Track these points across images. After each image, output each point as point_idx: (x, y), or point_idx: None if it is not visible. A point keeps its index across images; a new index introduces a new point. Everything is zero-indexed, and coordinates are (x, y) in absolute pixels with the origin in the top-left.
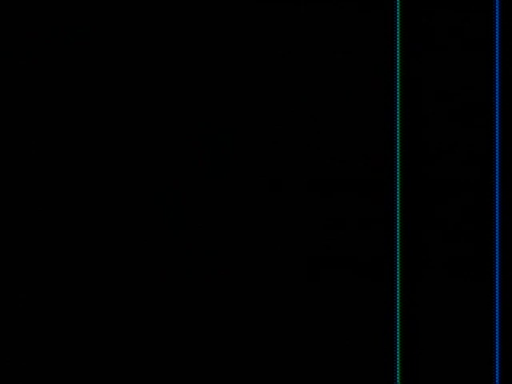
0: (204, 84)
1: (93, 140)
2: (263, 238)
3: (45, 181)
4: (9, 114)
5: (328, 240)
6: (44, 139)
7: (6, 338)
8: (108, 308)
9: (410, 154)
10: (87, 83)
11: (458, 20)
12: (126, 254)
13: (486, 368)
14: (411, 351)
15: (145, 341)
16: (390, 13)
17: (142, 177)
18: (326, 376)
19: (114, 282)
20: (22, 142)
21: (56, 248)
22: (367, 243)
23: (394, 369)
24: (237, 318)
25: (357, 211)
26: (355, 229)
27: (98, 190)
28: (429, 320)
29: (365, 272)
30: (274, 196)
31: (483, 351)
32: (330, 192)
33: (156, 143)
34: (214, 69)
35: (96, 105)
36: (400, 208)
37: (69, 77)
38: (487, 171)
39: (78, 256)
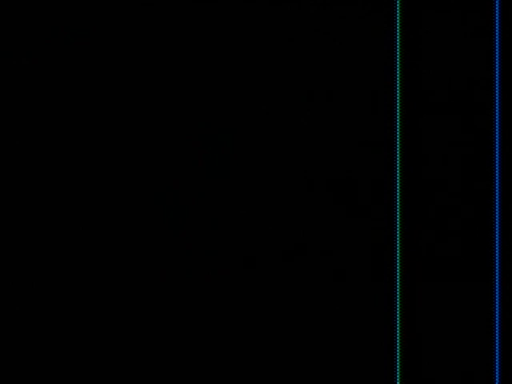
0: (204, 84)
1: (92, 140)
2: (263, 239)
3: (45, 181)
4: (9, 114)
5: (328, 240)
6: (44, 139)
7: (5, 338)
8: (108, 308)
9: (410, 154)
10: (87, 83)
11: (458, 20)
12: (126, 253)
13: (486, 368)
14: (411, 351)
15: (145, 341)
16: (389, 13)
17: (142, 176)
18: (325, 376)
19: (114, 281)
20: (22, 142)
21: (56, 248)
22: (367, 243)
23: (394, 369)
24: (237, 318)
25: (357, 211)
26: (355, 228)
27: (97, 190)
28: (429, 320)
29: (365, 272)
30: (274, 196)
31: (483, 351)
32: (330, 192)
33: (156, 143)
34: (214, 69)
35: (96, 105)
36: (400, 208)
37: (69, 77)
38: (487, 171)
39: (78, 256)
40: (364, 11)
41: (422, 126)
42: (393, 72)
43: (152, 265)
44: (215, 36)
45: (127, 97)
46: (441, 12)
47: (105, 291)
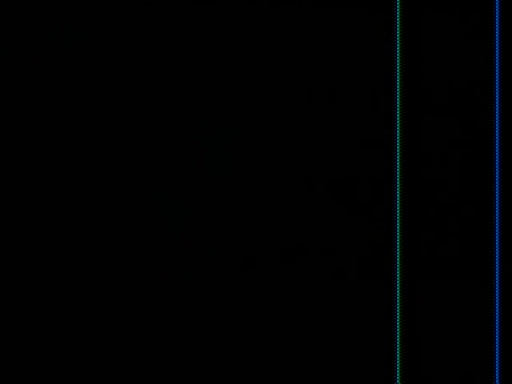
0: (204, 84)
1: (92, 140)
2: (263, 239)
3: (45, 181)
4: (9, 114)
5: (328, 240)
6: (44, 139)
7: (5, 338)
8: (108, 307)
9: (410, 154)
10: (87, 83)
11: (458, 20)
12: (126, 253)
13: (486, 368)
14: (411, 351)
15: (145, 340)
16: (389, 13)
17: (142, 177)
18: (326, 376)
19: (114, 281)
20: (22, 142)
21: (56, 247)
22: (367, 243)
23: (394, 369)
24: (237, 318)
25: (357, 211)
26: (355, 228)
27: (97, 190)
28: (429, 320)
29: (365, 272)
30: (274, 196)
31: (483, 351)
32: (330, 192)
33: (156, 143)
34: (214, 69)
35: (95, 105)
36: (400, 208)
37: (69, 77)
38: (487, 171)
39: (78, 256)
40: (364, 11)
41: (422, 126)
42: (393, 72)
43: (152, 265)
44: (215, 36)
45: (127, 97)
46: (441, 12)
47: (105, 291)
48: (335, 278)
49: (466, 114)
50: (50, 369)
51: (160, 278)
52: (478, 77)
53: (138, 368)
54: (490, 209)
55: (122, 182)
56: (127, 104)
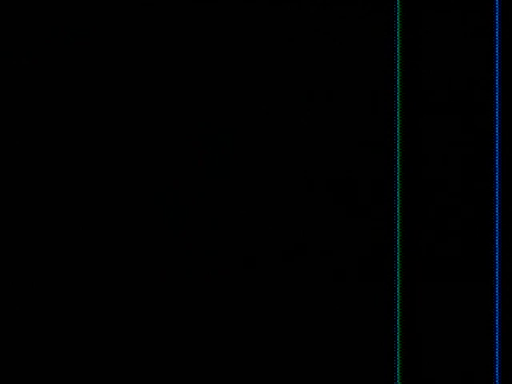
0: (204, 84)
1: (92, 140)
2: (263, 239)
3: (45, 181)
4: (9, 114)
5: (328, 240)
6: (44, 139)
7: (5, 338)
8: (108, 307)
9: (410, 154)
10: (87, 83)
11: (458, 20)
12: (126, 253)
13: (486, 368)
14: (411, 351)
15: (145, 341)
16: (389, 13)
17: (142, 177)
18: (326, 376)
19: (114, 281)
20: (22, 142)
21: (56, 248)
22: (367, 243)
23: (394, 369)
24: (237, 318)
25: (357, 211)
26: (355, 228)
27: (97, 190)
28: (429, 320)
29: (365, 272)
30: (274, 196)
31: (483, 351)
32: (330, 192)
33: (156, 143)
34: (214, 69)
35: (95, 105)
36: (400, 208)
37: (69, 77)
38: (487, 171)
39: (78, 256)
40: (364, 11)
41: (422, 126)
42: (393, 72)
43: (152, 265)
44: (215, 36)
45: (127, 97)
46: (441, 12)
47: (105, 291)
48: (335, 278)
49: (466, 114)
50: (50, 369)
51: (160, 277)
52: (478, 77)
53: (137, 368)
54: (490, 209)
55: (122, 182)
56: (127, 104)
